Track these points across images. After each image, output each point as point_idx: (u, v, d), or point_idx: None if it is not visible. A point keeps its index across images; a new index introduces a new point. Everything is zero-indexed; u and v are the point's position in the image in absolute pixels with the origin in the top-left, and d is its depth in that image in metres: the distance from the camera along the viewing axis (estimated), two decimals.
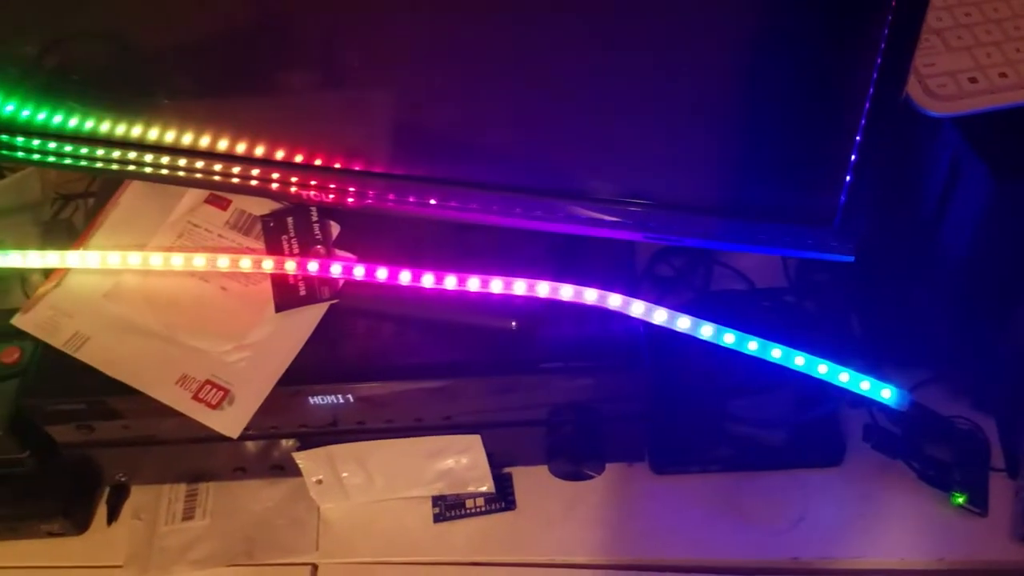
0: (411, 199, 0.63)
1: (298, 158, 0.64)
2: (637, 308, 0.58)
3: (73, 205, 0.88)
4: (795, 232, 0.54)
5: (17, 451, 0.64)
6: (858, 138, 0.48)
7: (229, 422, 0.58)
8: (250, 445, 0.65)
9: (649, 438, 0.66)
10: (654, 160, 0.56)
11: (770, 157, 0.52)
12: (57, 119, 0.65)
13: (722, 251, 0.75)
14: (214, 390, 0.59)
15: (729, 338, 0.58)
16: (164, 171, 0.65)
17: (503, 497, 0.67)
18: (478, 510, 0.67)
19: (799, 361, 0.58)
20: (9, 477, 0.66)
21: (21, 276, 0.82)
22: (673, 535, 0.64)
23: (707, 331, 0.58)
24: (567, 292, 0.59)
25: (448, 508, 0.67)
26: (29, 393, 0.61)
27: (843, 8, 0.44)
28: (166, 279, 0.64)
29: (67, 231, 0.84)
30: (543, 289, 0.59)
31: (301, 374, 0.60)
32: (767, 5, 0.47)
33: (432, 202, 0.62)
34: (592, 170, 0.58)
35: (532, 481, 0.68)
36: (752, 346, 0.58)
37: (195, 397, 0.59)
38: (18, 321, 0.63)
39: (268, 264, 0.63)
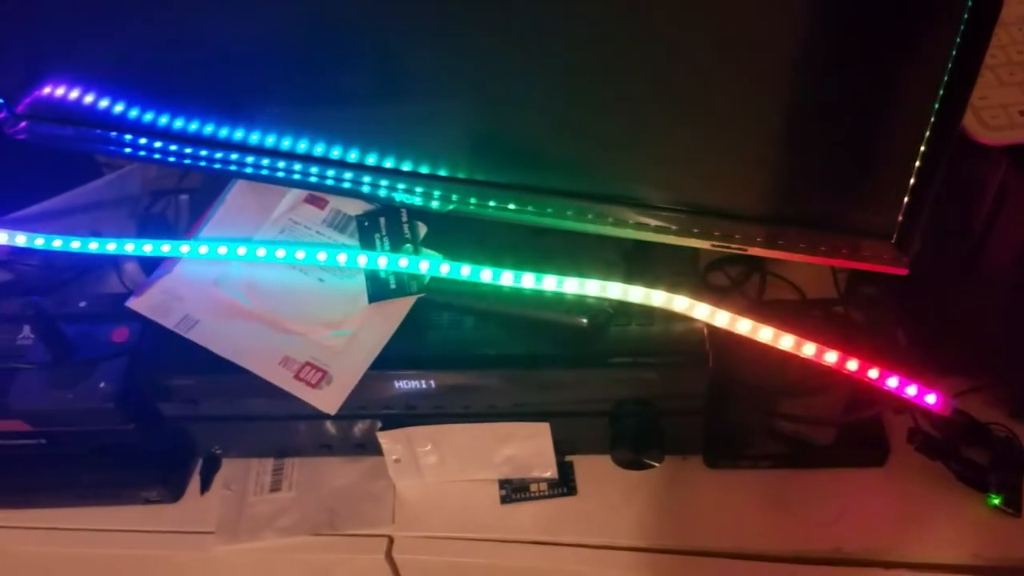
0: (491, 203, 0.68)
1: (389, 163, 0.70)
2: (701, 310, 0.63)
3: (164, 200, 0.94)
4: (855, 245, 0.59)
5: (124, 423, 0.70)
6: (918, 163, 0.53)
7: (327, 400, 0.64)
8: (338, 424, 0.70)
9: (704, 433, 0.71)
10: (727, 172, 0.61)
11: (839, 175, 0.57)
12: (173, 121, 0.72)
13: (778, 261, 0.80)
14: (313, 371, 0.65)
15: (787, 342, 0.62)
16: (268, 172, 0.72)
17: (565, 483, 0.72)
18: (541, 494, 0.72)
19: (853, 366, 0.63)
20: (114, 446, 0.72)
21: (116, 264, 0.89)
22: (724, 525, 0.69)
23: (767, 334, 0.63)
24: (636, 293, 0.64)
25: (514, 491, 0.73)
26: (143, 369, 0.67)
27: (912, 49, 0.49)
28: (269, 270, 0.70)
29: (160, 224, 0.91)
30: (614, 290, 0.64)
31: (389, 360, 0.66)
32: (846, 41, 0.51)
33: (511, 207, 0.68)
34: (665, 180, 0.63)
35: (592, 469, 0.73)
36: (809, 350, 0.62)
37: (296, 376, 0.65)
38: (133, 303, 0.69)
39: (362, 259, 0.69)
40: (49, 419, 0.70)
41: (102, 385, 0.68)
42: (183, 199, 0.95)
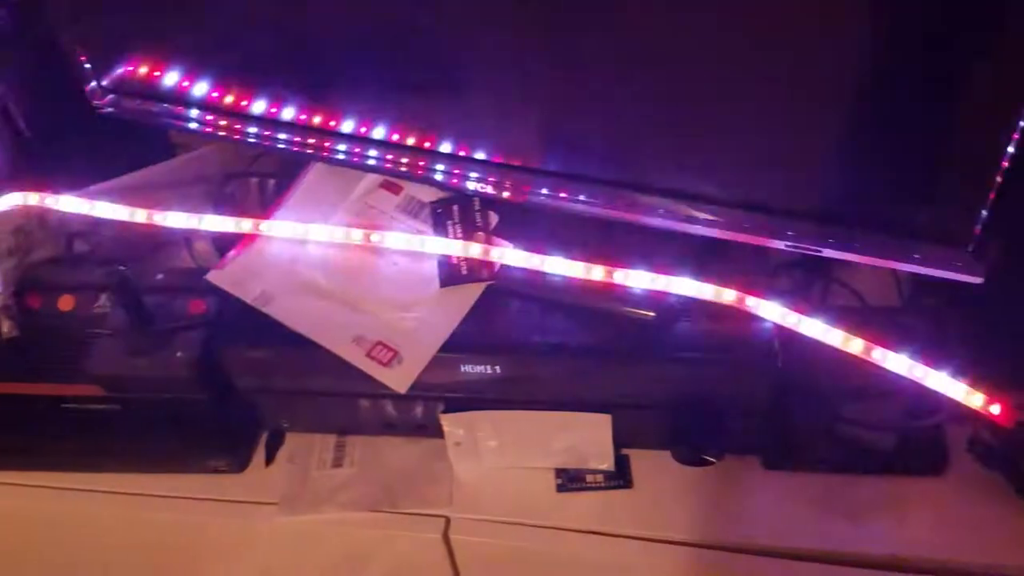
0: (563, 194, 0.70)
1: (463, 151, 0.71)
2: (771, 310, 0.64)
3: (235, 182, 0.97)
4: (928, 251, 0.59)
5: (198, 392, 0.72)
6: (999, 179, 0.53)
7: (398, 379, 0.66)
8: (402, 404, 0.72)
9: (764, 433, 0.71)
10: (804, 172, 0.62)
11: (917, 180, 0.58)
12: (257, 103, 0.74)
13: (842, 268, 0.80)
14: (385, 350, 0.67)
15: (856, 346, 0.63)
16: (345, 156, 0.74)
17: (621, 475, 0.73)
18: (597, 485, 0.73)
19: (919, 373, 0.63)
20: (185, 415, 0.74)
21: (186, 241, 0.91)
22: (779, 525, 0.69)
23: (836, 338, 0.63)
24: (707, 290, 0.65)
25: (570, 480, 0.74)
26: (221, 341, 0.69)
27: (999, 62, 0.50)
28: (345, 251, 0.72)
29: (232, 203, 0.93)
30: (684, 286, 0.65)
31: (457, 344, 0.67)
32: (931, 52, 0.52)
33: (582, 198, 0.69)
34: (740, 178, 0.64)
35: (647, 464, 0.73)
36: (876, 355, 0.63)
37: (368, 355, 0.67)
38: (212, 277, 0.71)
39: (436, 245, 0.70)
40: (125, 385, 0.73)
41: (179, 355, 0.70)
42: (253, 182, 0.97)
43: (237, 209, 0.92)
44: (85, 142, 0.88)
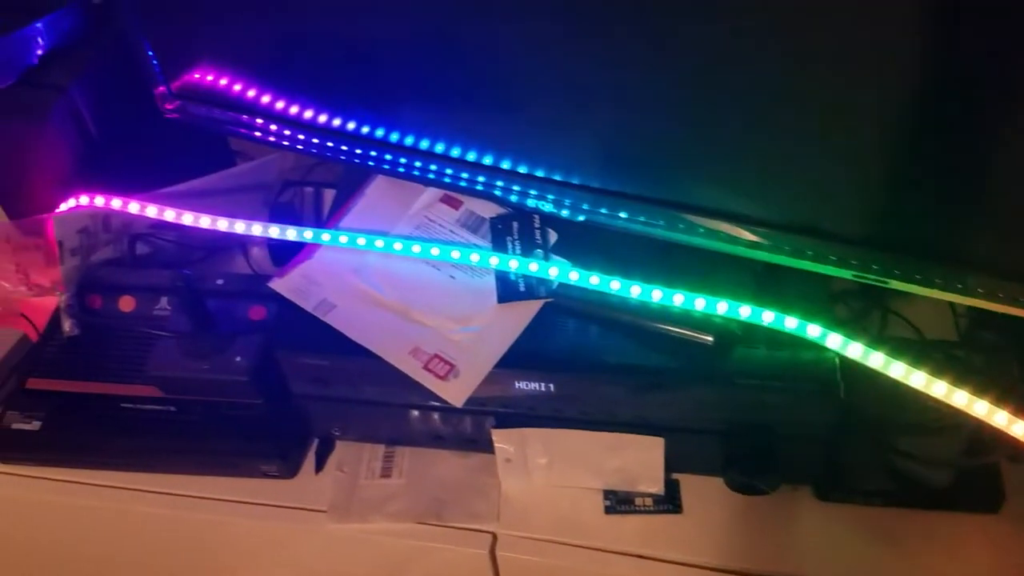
0: (622, 214, 0.70)
1: (523, 168, 0.72)
2: (834, 340, 0.63)
3: (291, 190, 0.98)
4: (994, 285, 0.58)
5: (254, 396, 0.73)
6: None
7: (454, 393, 0.66)
8: (455, 417, 0.72)
9: (816, 463, 0.71)
10: (870, 201, 0.61)
11: (985, 213, 0.57)
12: (321, 113, 0.75)
13: (900, 298, 0.79)
14: (442, 363, 0.67)
15: (918, 379, 0.62)
16: (405, 169, 0.74)
17: (671, 500, 0.73)
18: (646, 508, 0.73)
19: (980, 409, 0.62)
20: (240, 419, 0.75)
21: (242, 246, 0.93)
22: (831, 558, 0.69)
23: (897, 370, 0.62)
24: (768, 316, 0.64)
25: (619, 502, 0.73)
26: (279, 347, 0.70)
27: None
28: (404, 263, 0.72)
29: (289, 211, 0.95)
30: (744, 311, 0.65)
31: (513, 360, 0.67)
32: (1006, 83, 0.52)
33: (641, 219, 0.69)
34: (806, 204, 0.63)
35: (697, 489, 0.73)
36: (939, 389, 0.62)
37: (425, 367, 0.67)
38: (274, 284, 0.72)
39: (494, 260, 0.71)
40: (182, 387, 0.74)
41: (238, 359, 0.71)
42: (309, 190, 0.99)
43: (293, 217, 0.94)
44: (149, 146, 0.90)
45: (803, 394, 0.63)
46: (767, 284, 0.67)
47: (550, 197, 0.72)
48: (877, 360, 0.63)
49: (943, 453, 0.69)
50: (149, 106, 0.80)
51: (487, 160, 0.73)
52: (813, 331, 0.63)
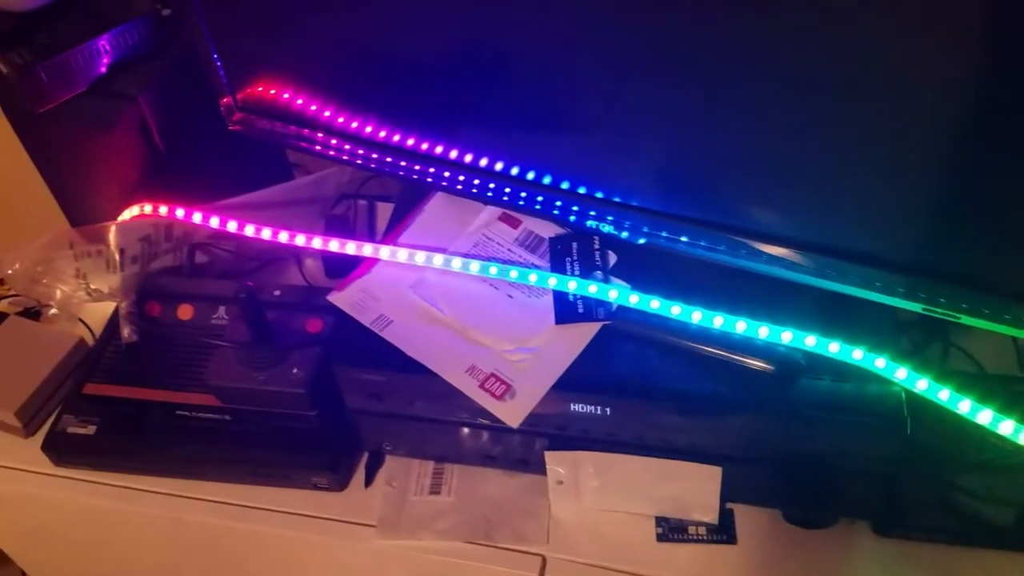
0: (683, 238, 0.69)
1: (584, 190, 0.72)
2: (901, 373, 0.62)
3: (346, 203, 0.99)
4: None
5: (309, 409, 0.74)
6: None
7: (511, 413, 0.66)
8: (507, 437, 0.72)
9: (876, 498, 0.69)
10: (940, 233, 0.60)
11: None
12: (382, 130, 0.76)
13: (961, 332, 0.78)
14: (498, 383, 0.67)
15: (986, 416, 0.61)
16: (465, 188, 0.74)
17: (725, 530, 0.72)
18: (700, 538, 0.72)
19: None
20: (294, 430, 0.75)
21: (297, 258, 0.93)
22: None
23: (965, 406, 0.61)
24: (834, 347, 0.63)
25: (671, 530, 0.72)
26: (338, 361, 0.70)
27: None
28: (461, 280, 0.72)
29: (342, 223, 0.95)
30: (809, 340, 0.64)
31: (569, 382, 0.67)
32: None
33: (703, 243, 0.69)
34: (875, 234, 0.62)
35: (753, 520, 0.72)
36: (1007, 427, 0.60)
37: (481, 386, 0.67)
38: (333, 298, 0.72)
39: (553, 280, 0.70)
40: (239, 397, 0.74)
41: (295, 371, 0.72)
42: (362, 204, 1.00)
43: (347, 229, 0.95)
44: (210, 158, 0.92)
45: (869, 428, 0.62)
46: (832, 313, 0.66)
47: (609, 218, 0.72)
48: (943, 395, 0.62)
49: (1007, 492, 0.67)
50: (212, 118, 0.82)
51: (546, 180, 0.73)
52: (880, 363, 0.62)
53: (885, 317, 0.67)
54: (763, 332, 0.65)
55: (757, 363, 0.65)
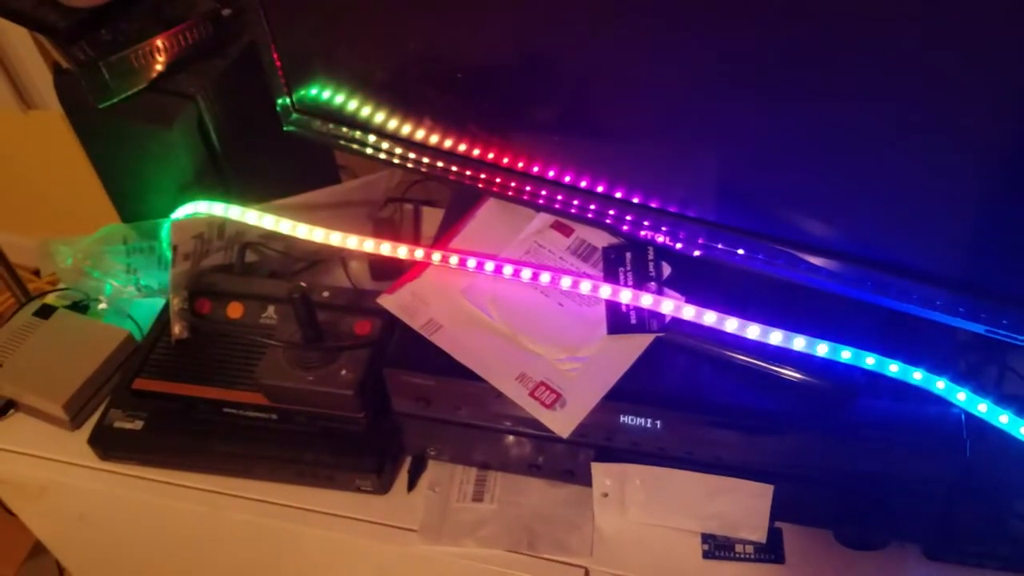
0: (740, 251, 0.68)
1: (638, 199, 0.71)
2: (961, 395, 0.61)
3: (392, 207, 0.99)
4: None
5: (355, 410, 0.74)
6: None
7: (561, 423, 0.65)
8: (554, 447, 0.71)
9: (929, 521, 0.68)
10: (1005, 253, 0.59)
11: None
12: (435, 133, 0.76)
13: (1017, 355, 0.76)
14: (548, 392, 0.66)
15: None
16: (517, 194, 0.74)
17: (773, 550, 0.70)
18: (747, 556, 0.71)
19: None
20: (340, 432, 0.75)
21: (343, 260, 0.94)
22: None
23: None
24: (894, 368, 0.62)
25: (717, 547, 0.71)
26: (387, 364, 0.70)
27: None
28: (512, 287, 0.72)
29: (390, 227, 0.96)
30: (869, 360, 0.63)
31: (620, 393, 0.66)
32: None
33: (760, 257, 0.68)
34: (937, 252, 0.61)
35: (800, 540, 0.71)
36: None
37: (531, 394, 0.66)
38: (383, 300, 0.72)
39: (606, 290, 0.70)
40: (287, 397, 0.74)
41: (343, 373, 0.72)
42: (408, 207, 1.00)
43: (393, 232, 0.95)
44: (263, 157, 0.92)
45: (927, 450, 0.61)
46: (891, 333, 0.65)
47: (664, 228, 0.71)
48: (1004, 419, 0.60)
49: None
50: (266, 118, 0.82)
51: (600, 188, 0.72)
52: (940, 385, 0.61)
53: (944, 338, 0.66)
54: (823, 350, 0.64)
55: (813, 380, 0.64)
